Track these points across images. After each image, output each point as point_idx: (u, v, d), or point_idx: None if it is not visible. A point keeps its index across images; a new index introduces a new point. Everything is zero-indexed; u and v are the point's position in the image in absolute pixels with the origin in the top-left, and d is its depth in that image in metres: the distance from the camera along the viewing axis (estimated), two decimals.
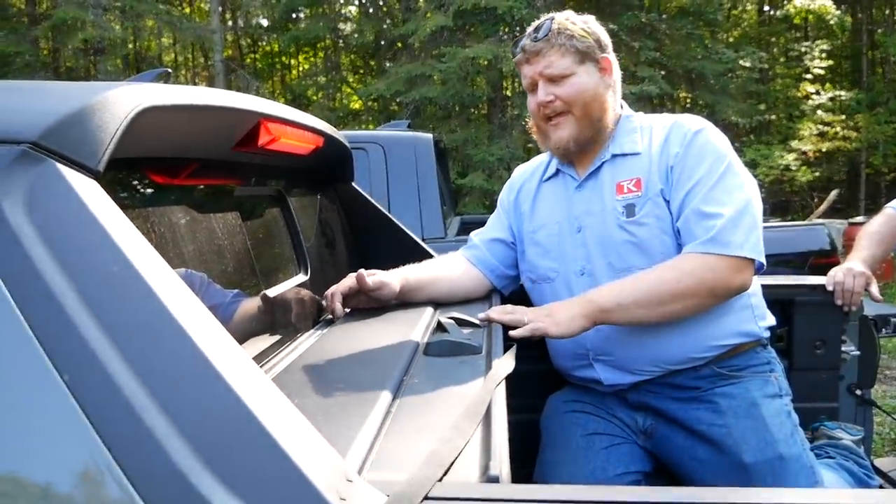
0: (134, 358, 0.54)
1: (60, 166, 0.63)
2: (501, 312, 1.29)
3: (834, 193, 8.25)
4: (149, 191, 0.97)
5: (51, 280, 0.56)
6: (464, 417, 0.79)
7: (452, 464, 0.67)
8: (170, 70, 1.80)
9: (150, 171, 0.98)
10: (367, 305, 1.41)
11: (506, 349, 1.13)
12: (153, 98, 0.76)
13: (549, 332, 1.29)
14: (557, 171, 1.59)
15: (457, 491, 0.59)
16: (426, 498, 0.58)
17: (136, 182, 0.95)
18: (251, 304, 1.10)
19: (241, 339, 1.03)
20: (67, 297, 0.56)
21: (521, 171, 1.71)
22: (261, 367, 1.02)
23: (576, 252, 1.49)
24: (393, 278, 1.42)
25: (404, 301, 1.46)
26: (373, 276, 1.37)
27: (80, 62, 13.27)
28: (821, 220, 3.56)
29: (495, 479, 0.63)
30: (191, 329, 0.56)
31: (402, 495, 0.56)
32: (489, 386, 0.89)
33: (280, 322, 1.17)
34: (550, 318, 1.30)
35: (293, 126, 1.19)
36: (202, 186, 1.12)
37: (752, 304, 1.47)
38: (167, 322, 0.56)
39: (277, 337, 1.13)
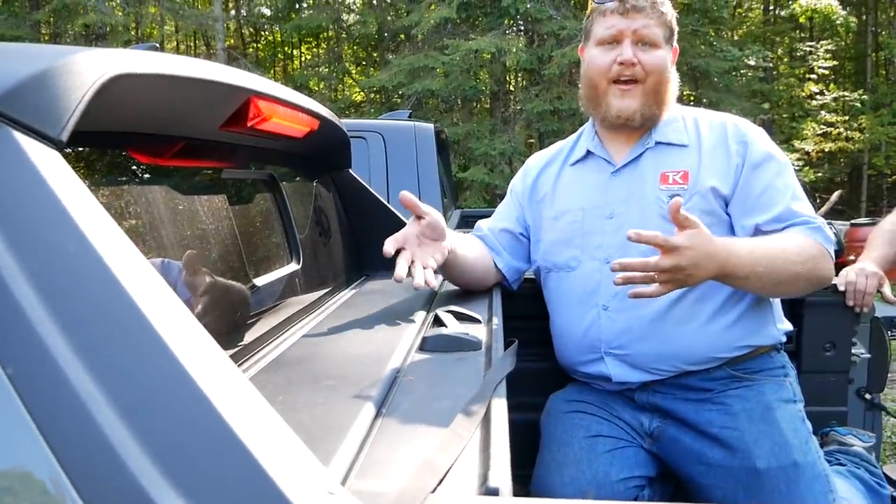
0: (88, 350, 0.48)
1: (17, 134, 0.57)
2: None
3: (836, 195, 8.18)
4: (130, 171, 0.91)
5: None
6: (461, 420, 0.72)
7: (447, 473, 0.61)
8: (157, 45, 1.73)
9: (132, 149, 0.91)
10: (436, 252, 1.30)
11: (506, 346, 1.07)
12: (127, 65, 0.69)
13: (673, 286, 1.19)
14: (588, 155, 1.51)
15: None
16: None
17: (115, 161, 0.89)
18: (236, 295, 1.03)
19: (225, 331, 0.96)
20: (14, 279, 0.49)
21: (539, 157, 1.63)
22: (244, 361, 0.96)
23: (604, 240, 1.41)
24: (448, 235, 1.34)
25: (443, 269, 1.39)
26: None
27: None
28: (827, 221, 3.50)
29: (494, 492, 0.56)
30: (155, 320, 0.50)
31: None
32: (488, 386, 0.83)
33: (264, 315, 1.10)
34: (688, 275, 1.18)
35: (286, 106, 1.12)
36: (188, 168, 1.05)
37: (772, 307, 1.42)
38: (128, 311, 0.50)
39: (263, 330, 1.06)
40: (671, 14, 1.41)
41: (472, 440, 0.68)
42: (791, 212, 1.35)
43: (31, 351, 0.47)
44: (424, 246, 1.29)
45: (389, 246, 1.23)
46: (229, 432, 0.46)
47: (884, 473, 1.60)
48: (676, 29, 1.44)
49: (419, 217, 1.29)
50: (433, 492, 0.56)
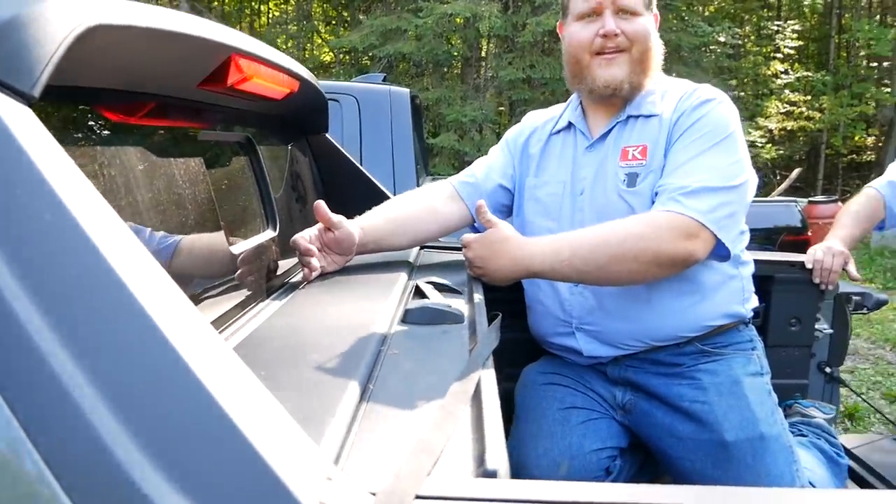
0: (69, 329, 0.44)
1: None
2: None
3: (796, 172, 8.36)
4: (99, 130, 0.85)
5: None
6: (451, 398, 0.71)
7: (441, 453, 0.59)
8: None
9: (102, 107, 0.86)
10: (332, 263, 1.33)
11: (490, 319, 1.05)
12: (105, 14, 0.64)
13: (483, 279, 1.31)
14: (570, 126, 1.48)
15: (452, 489, 0.51)
16: (417, 497, 0.50)
17: (84, 119, 0.83)
18: (212, 264, 0.99)
19: (201, 302, 0.93)
20: None
21: (534, 117, 1.60)
22: (221, 334, 0.93)
23: (573, 216, 1.41)
24: (352, 226, 1.35)
25: (373, 250, 1.41)
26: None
27: None
28: (791, 198, 3.58)
29: (493, 474, 0.55)
30: (142, 296, 0.47)
31: (391, 494, 0.49)
32: (476, 362, 0.81)
33: (240, 284, 1.07)
34: (483, 269, 1.30)
35: (268, 66, 1.07)
36: (161, 128, 1.00)
37: (743, 286, 1.43)
38: (113, 286, 0.46)
39: (236, 301, 1.02)
40: None
41: (462, 420, 0.67)
42: (674, 177, 1.27)
43: (6, 331, 0.44)
44: (324, 254, 1.32)
45: (295, 245, 1.28)
46: (222, 414, 0.44)
47: (842, 444, 1.66)
48: None
49: (328, 229, 1.31)
50: (429, 474, 0.54)
